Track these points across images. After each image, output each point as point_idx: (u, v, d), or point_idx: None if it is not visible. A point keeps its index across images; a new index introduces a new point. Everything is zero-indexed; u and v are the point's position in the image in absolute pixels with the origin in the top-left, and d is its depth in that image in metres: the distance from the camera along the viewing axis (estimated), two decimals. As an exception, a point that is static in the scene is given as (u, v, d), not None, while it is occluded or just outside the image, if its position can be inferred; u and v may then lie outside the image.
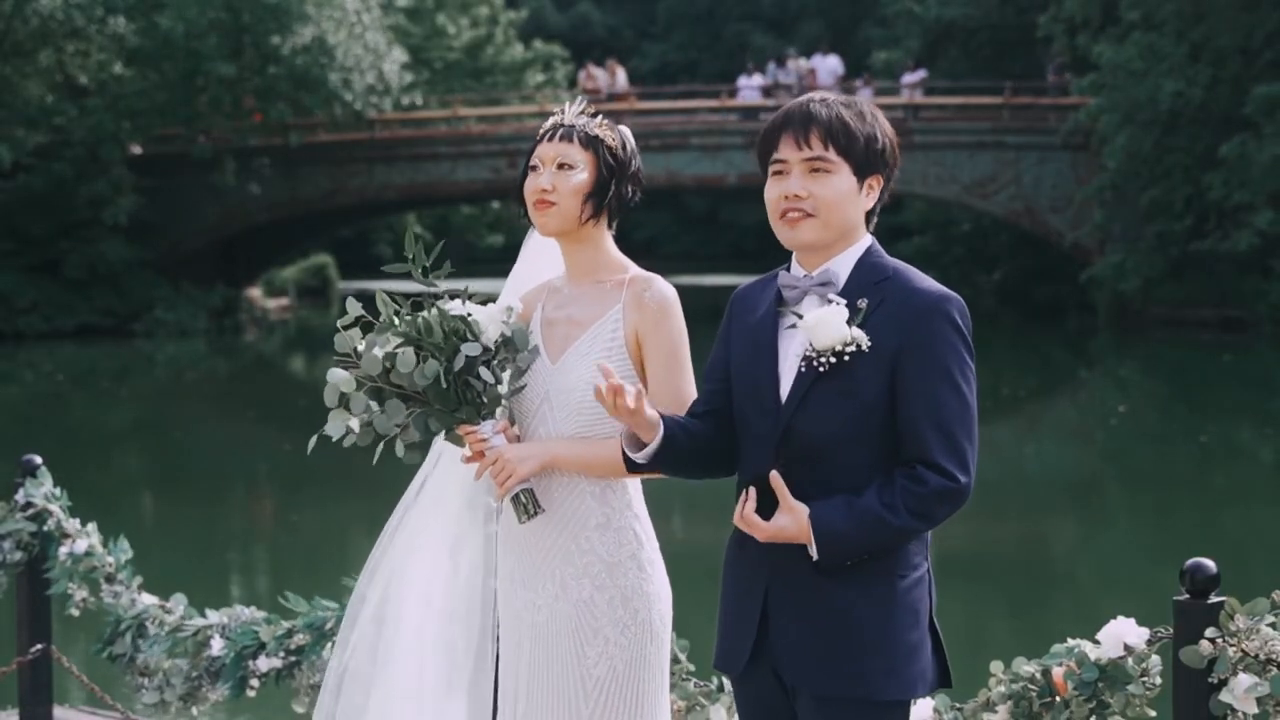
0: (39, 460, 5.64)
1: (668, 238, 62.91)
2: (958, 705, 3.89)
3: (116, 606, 5.34)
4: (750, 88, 37.38)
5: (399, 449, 3.42)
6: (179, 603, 5.28)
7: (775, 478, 3.05)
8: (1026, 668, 3.76)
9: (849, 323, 3.04)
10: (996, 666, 3.82)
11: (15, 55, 33.67)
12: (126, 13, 33.72)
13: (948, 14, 41.00)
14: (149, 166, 35.41)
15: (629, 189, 3.55)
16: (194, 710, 5.18)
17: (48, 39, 33.90)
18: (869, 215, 3.19)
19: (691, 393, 3.43)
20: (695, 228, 64.50)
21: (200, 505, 15.23)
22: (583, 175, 3.49)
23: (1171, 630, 3.52)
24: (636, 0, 68.75)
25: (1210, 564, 3.47)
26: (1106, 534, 13.85)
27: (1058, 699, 3.68)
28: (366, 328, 3.45)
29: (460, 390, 3.39)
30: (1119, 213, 32.10)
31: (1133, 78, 30.24)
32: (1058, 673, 3.68)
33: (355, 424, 3.38)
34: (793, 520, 3.03)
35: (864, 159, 3.12)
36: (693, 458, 3.22)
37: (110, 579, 5.41)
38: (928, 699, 3.91)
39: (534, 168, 3.53)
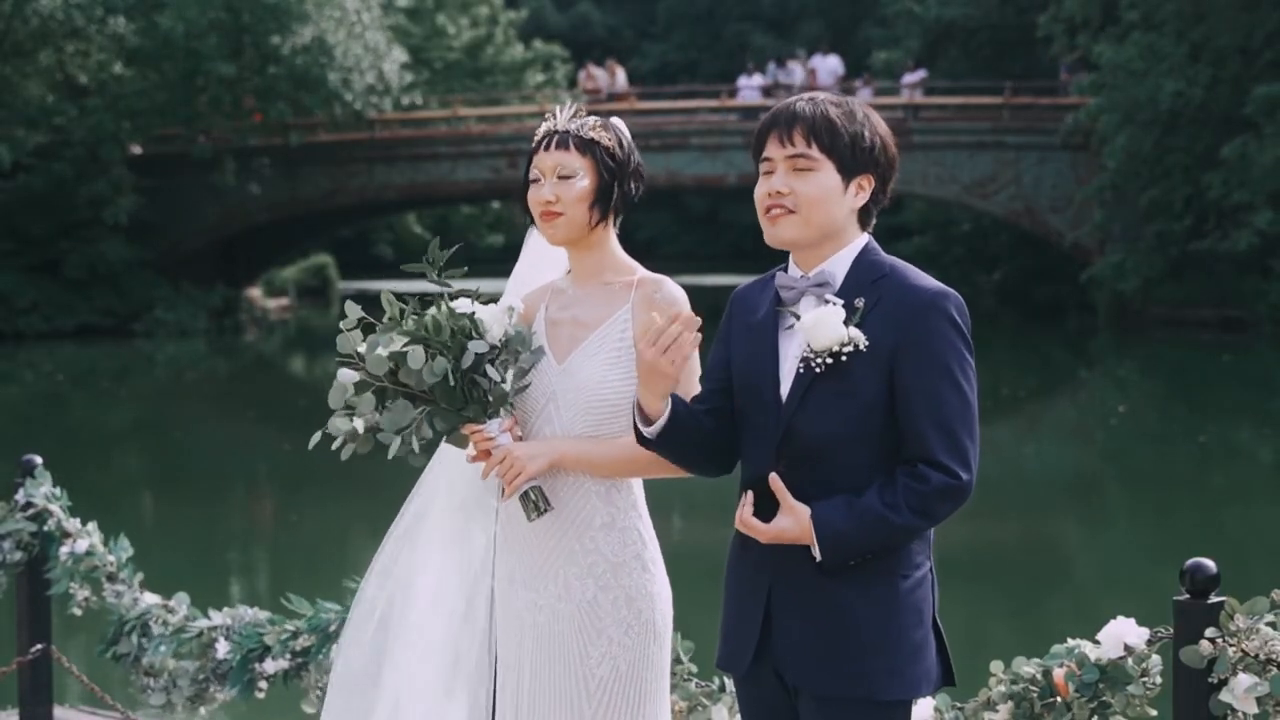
0: (39, 460, 5.64)
1: (668, 238, 62.91)
2: (958, 705, 3.90)
3: (119, 606, 5.34)
4: (750, 88, 37.39)
5: (395, 449, 3.39)
6: (181, 602, 5.28)
7: (775, 479, 3.05)
8: (1027, 668, 3.76)
9: (846, 323, 3.04)
10: (997, 666, 3.82)
11: (15, 55, 33.67)
12: (126, 13, 33.72)
13: (948, 14, 41.01)
14: (149, 166, 35.41)
15: (631, 186, 3.54)
16: (202, 710, 5.18)
17: (48, 39, 33.90)
18: (865, 215, 3.18)
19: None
20: (695, 228, 64.50)
21: (200, 505, 15.24)
22: (584, 182, 3.48)
23: (1171, 630, 3.52)
24: (636, 0, 68.76)
25: (1210, 564, 3.47)
26: (1106, 534, 13.86)
27: (1059, 699, 3.68)
28: (367, 330, 3.45)
29: (467, 389, 3.38)
30: (1119, 212, 32.10)
31: (1133, 78, 30.25)
32: (1058, 674, 3.69)
33: (360, 424, 3.38)
34: (794, 522, 3.03)
35: (849, 157, 3.11)
36: (697, 443, 3.22)
37: (112, 578, 5.41)
38: (928, 698, 3.91)
39: (535, 180, 3.52)
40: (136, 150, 35.45)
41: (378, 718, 3.73)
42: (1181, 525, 13.63)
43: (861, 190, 3.15)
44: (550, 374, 3.50)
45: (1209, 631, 3.41)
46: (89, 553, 5.42)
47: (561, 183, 3.48)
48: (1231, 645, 3.39)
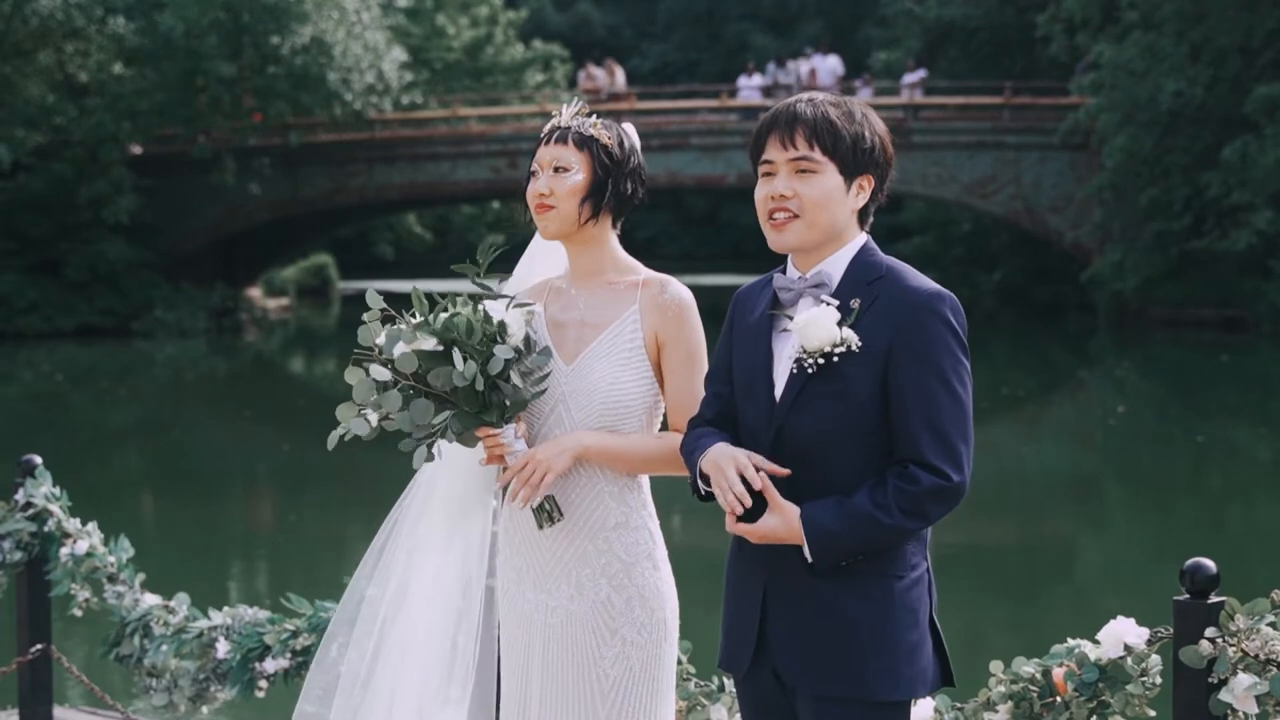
0: (39, 460, 5.64)
1: (668, 238, 62.92)
2: (958, 705, 3.90)
3: (119, 607, 5.34)
4: (750, 88, 37.39)
5: (413, 448, 3.38)
6: (182, 603, 5.28)
7: (764, 480, 3.05)
8: (1027, 668, 3.76)
9: (840, 323, 3.04)
10: (996, 666, 3.82)
11: (15, 55, 33.68)
12: (126, 13, 33.73)
13: (948, 14, 41.00)
14: (149, 166, 35.41)
15: (628, 186, 3.54)
16: (204, 710, 5.19)
17: (48, 39, 33.91)
18: (863, 215, 3.18)
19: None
20: (695, 228, 64.51)
21: (200, 505, 15.24)
22: (578, 177, 3.49)
23: (1171, 630, 3.52)
24: (636, 0, 68.77)
25: (1210, 564, 3.47)
26: (1106, 534, 13.86)
27: (1058, 699, 3.69)
28: (387, 321, 3.44)
29: (489, 393, 3.38)
30: (1118, 212, 32.11)
31: (1132, 77, 30.25)
32: (1058, 673, 3.69)
33: (374, 419, 3.36)
34: (782, 522, 3.03)
35: (851, 158, 3.11)
36: None
37: (112, 579, 5.41)
38: (928, 699, 3.91)
39: (534, 173, 3.54)
40: (136, 150, 35.44)
41: (372, 718, 3.72)
42: (1181, 525, 13.63)
43: (862, 190, 3.15)
44: (558, 376, 3.49)
45: (1209, 631, 3.41)
46: (89, 553, 5.42)
47: (556, 176, 3.49)
48: (1231, 645, 3.39)
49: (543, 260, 3.71)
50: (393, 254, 53.60)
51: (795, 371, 3.07)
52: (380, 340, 3.38)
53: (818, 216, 3.11)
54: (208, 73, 33.69)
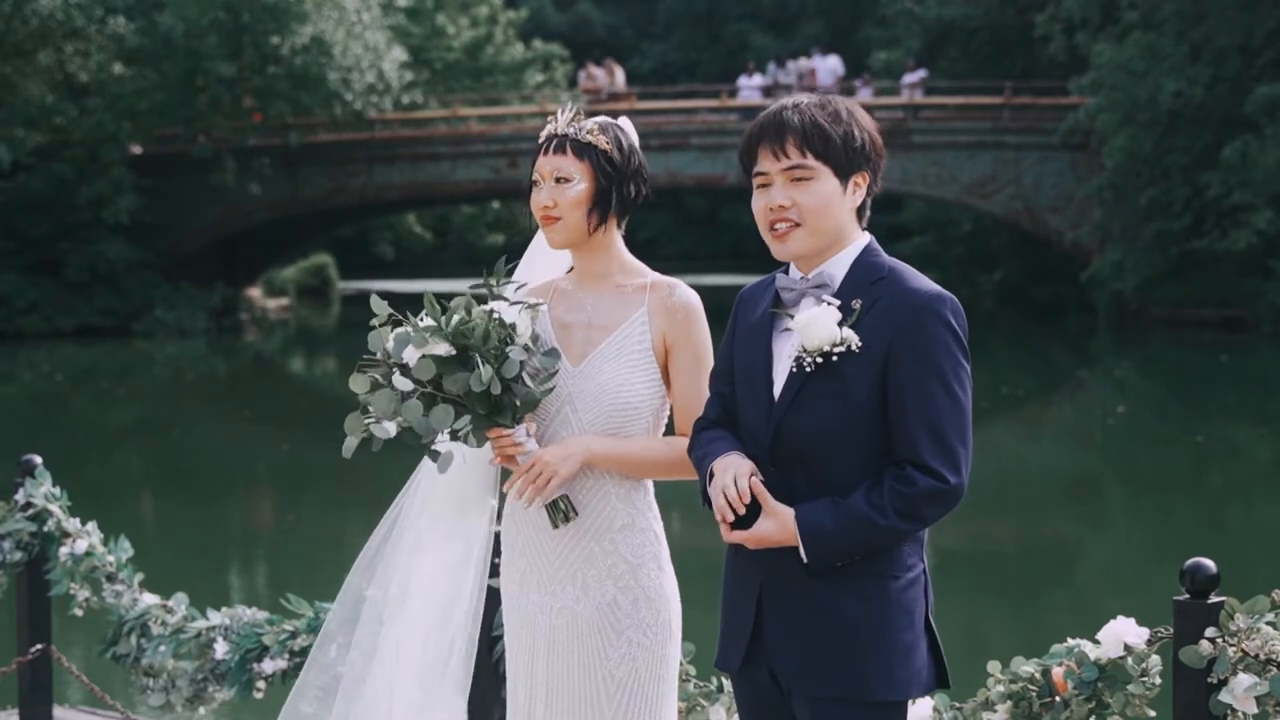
0: (39, 460, 5.64)
1: (668, 238, 62.91)
2: (957, 705, 3.89)
3: (118, 606, 5.34)
4: (750, 88, 37.39)
5: (434, 443, 3.38)
6: (180, 602, 5.28)
7: (756, 484, 3.05)
8: (1026, 667, 3.76)
9: (841, 323, 3.04)
10: (995, 666, 3.82)
11: (15, 55, 33.68)
12: (126, 13, 33.73)
13: (948, 14, 41.00)
14: (149, 166, 35.41)
15: (631, 189, 3.53)
16: (200, 711, 5.18)
17: (48, 39, 33.91)
18: (860, 212, 3.18)
19: None
20: (695, 228, 64.50)
21: (200, 505, 15.24)
22: (581, 186, 3.47)
23: (1171, 630, 3.52)
24: (636, 0, 68.76)
25: (1210, 564, 3.47)
26: (1106, 534, 13.86)
27: (1057, 699, 3.68)
28: (394, 325, 3.43)
29: (502, 395, 3.37)
30: (1118, 212, 32.11)
31: (1132, 77, 30.25)
32: (1057, 672, 3.69)
33: (392, 428, 3.35)
34: (776, 525, 3.03)
35: (844, 159, 3.11)
36: None
37: (111, 578, 5.41)
38: (927, 699, 3.90)
39: (535, 183, 3.53)
40: (136, 150, 35.44)
41: (367, 716, 3.72)
42: (1181, 525, 13.63)
43: (858, 188, 3.16)
44: (565, 377, 3.49)
45: (1209, 631, 3.41)
46: (89, 553, 5.42)
47: (558, 187, 3.48)
48: (1231, 645, 3.39)
49: (544, 261, 3.70)
50: (393, 254, 53.60)
51: (795, 370, 3.07)
52: (389, 344, 3.36)
53: (819, 222, 3.11)
54: (208, 73, 33.69)
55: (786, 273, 3.20)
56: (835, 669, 3.04)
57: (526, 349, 3.40)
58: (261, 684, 4.96)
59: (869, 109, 3.30)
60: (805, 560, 3.02)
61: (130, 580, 5.41)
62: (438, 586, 3.72)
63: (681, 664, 4.29)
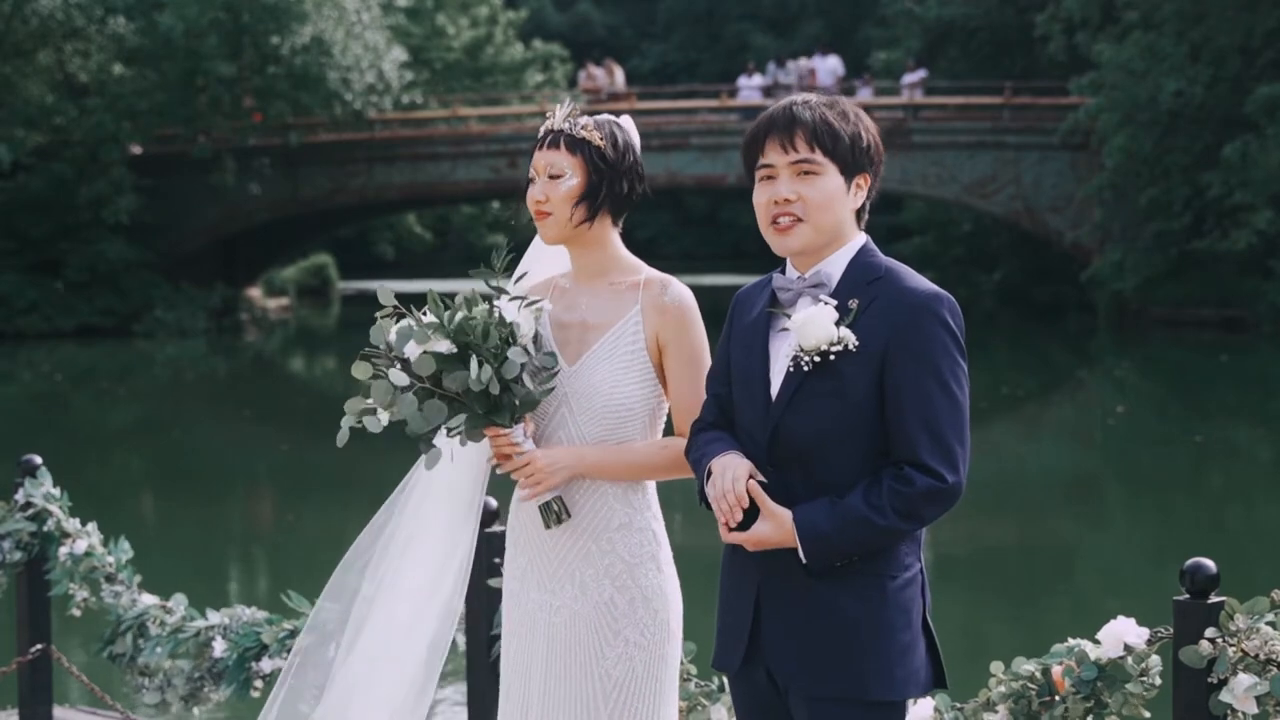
0: (39, 460, 5.64)
1: (668, 238, 62.91)
2: (958, 705, 3.89)
3: (117, 606, 5.34)
4: (750, 88, 37.39)
5: (426, 440, 3.39)
6: (179, 603, 5.28)
7: (754, 485, 3.06)
8: (1026, 667, 3.76)
9: (839, 323, 3.04)
10: (997, 666, 3.82)
11: (15, 55, 33.67)
12: (126, 13, 33.72)
13: (948, 14, 40.99)
14: (149, 166, 35.40)
15: (625, 185, 3.53)
16: (196, 711, 5.18)
17: (48, 39, 33.90)
18: (859, 214, 3.19)
19: None
20: (695, 228, 64.50)
21: (200, 505, 15.24)
22: (572, 181, 3.48)
23: (1171, 630, 3.52)
24: (636, 0, 68.76)
25: (1210, 564, 3.47)
26: (1106, 534, 13.86)
27: (1057, 698, 3.68)
28: (398, 318, 3.43)
29: (501, 395, 3.38)
30: (1118, 212, 32.11)
31: (1132, 77, 30.24)
32: (1057, 671, 3.68)
33: (385, 418, 3.37)
34: (774, 527, 3.04)
35: (850, 158, 3.12)
36: None
37: (111, 579, 5.41)
38: (927, 698, 3.90)
39: (531, 179, 3.55)
40: (136, 150, 35.44)
41: (361, 713, 3.72)
42: (1181, 525, 13.63)
43: (859, 189, 3.17)
44: (562, 376, 3.49)
45: (1209, 631, 3.41)
46: (88, 553, 5.42)
47: (551, 182, 3.50)
48: (1231, 645, 3.39)
49: (545, 259, 3.71)
50: (393, 254, 53.59)
51: (792, 370, 3.07)
52: (391, 337, 3.37)
53: (822, 219, 3.11)
54: (208, 73, 33.69)
55: (783, 273, 3.20)
56: (834, 669, 3.04)
57: (527, 350, 3.40)
58: (259, 683, 4.96)
59: (869, 109, 3.31)
60: (804, 561, 3.03)
61: (129, 581, 5.41)
62: (420, 584, 3.72)
63: (682, 663, 4.29)
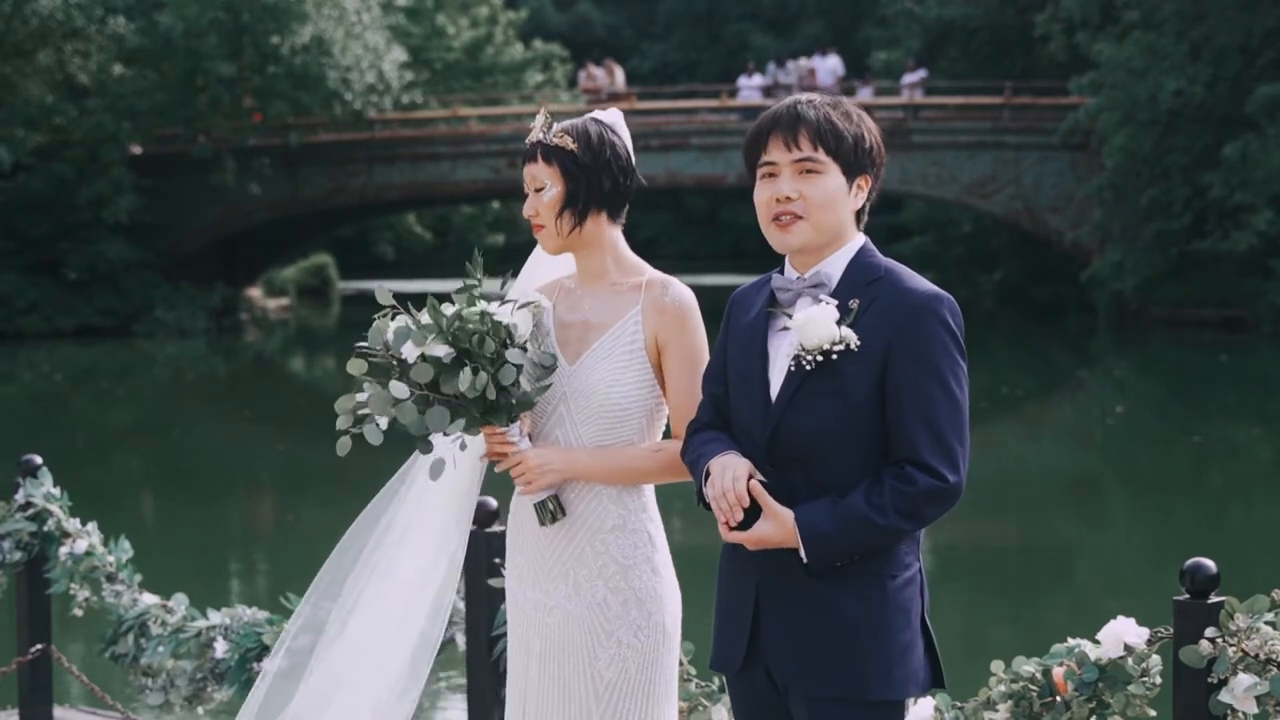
0: (39, 460, 5.64)
1: (668, 238, 62.91)
2: (958, 705, 3.89)
3: (118, 606, 5.34)
4: (750, 88, 37.39)
5: (422, 442, 3.39)
6: (180, 603, 5.28)
7: (756, 486, 3.05)
8: (1027, 667, 3.76)
9: (839, 323, 3.04)
10: (997, 666, 3.82)
11: (15, 55, 33.67)
12: (126, 13, 33.72)
13: (948, 14, 40.99)
14: (149, 166, 35.41)
15: (607, 182, 3.51)
16: (199, 710, 5.19)
17: (48, 39, 33.90)
18: (859, 215, 3.20)
19: None
20: (695, 228, 64.50)
21: (200, 505, 15.24)
22: (553, 191, 3.50)
23: (1171, 630, 3.52)
24: (636, 0, 68.77)
25: (1210, 564, 3.47)
26: (1106, 534, 13.86)
27: (1058, 699, 3.68)
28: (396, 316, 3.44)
29: (498, 397, 3.38)
30: (1118, 212, 32.11)
31: (1133, 77, 30.24)
32: (1058, 672, 3.68)
33: (384, 423, 3.37)
34: (776, 527, 3.03)
35: (852, 159, 3.12)
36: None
37: (111, 578, 5.41)
38: (927, 698, 3.90)
39: (526, 193, 3.59)
40: (136, 150, 35.45)
41: (354, 710, 3.72)
42: (1181, 525, 13.63)
43: (860, 190, 3.17)
44: (561, 375, 3.49)
45: (1209, 631, 3.40)
46: (88, 553, 5.42)
47: (537, 195, 3.53)
48: (1231, 645, 3.39)
49: (548, 264, 3.71)
50: (393, 254, 53.58)
51: (793, 369, 3.07)
52: (389, 336, 3.37)
53: (823, 218, 3.11)
54: (208, 73, 33.69)
55: (782, 272, 3.20)
56: (834, 669, 3.04)
57: (524, 349, 3.40)
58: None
59: (869, 109, 3.31)
60: (805, 561, 3.03)
61: (130, 580, 5.41)
62: (414, 574, 3.73)
63: (682, 664, 4.28)
